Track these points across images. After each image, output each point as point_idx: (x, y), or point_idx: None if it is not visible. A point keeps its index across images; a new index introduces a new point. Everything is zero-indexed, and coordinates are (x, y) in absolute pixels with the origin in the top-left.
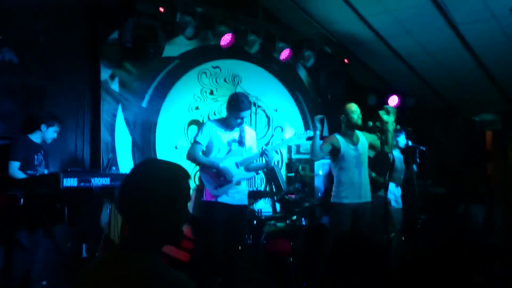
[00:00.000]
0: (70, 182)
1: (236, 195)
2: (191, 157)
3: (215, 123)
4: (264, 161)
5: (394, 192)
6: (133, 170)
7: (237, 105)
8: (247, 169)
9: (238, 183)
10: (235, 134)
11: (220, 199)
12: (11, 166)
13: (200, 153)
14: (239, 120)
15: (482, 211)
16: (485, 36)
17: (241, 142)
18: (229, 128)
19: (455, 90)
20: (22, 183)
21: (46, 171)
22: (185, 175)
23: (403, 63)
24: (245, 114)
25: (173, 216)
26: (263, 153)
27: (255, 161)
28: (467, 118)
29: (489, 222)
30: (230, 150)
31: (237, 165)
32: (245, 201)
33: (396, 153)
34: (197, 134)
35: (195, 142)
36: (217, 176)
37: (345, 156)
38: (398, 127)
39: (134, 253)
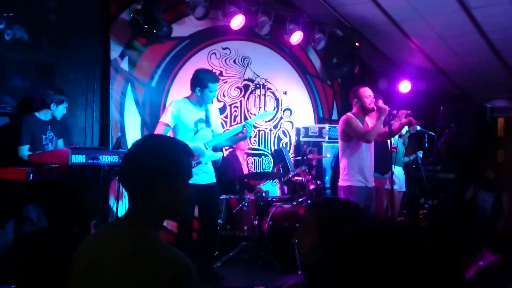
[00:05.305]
0: (78, 159)
1: (205, 176)
2: None
3: (181, 102)
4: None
5: (398, 176)
6: (134, 145)
7: (206, 78)
8: (215, 149)
9: (206, 163)
10: (201, 113)
11: (190, 181)
12: (21, 151)
13: (167, 135)
14: (210, 94)
15: (491, 198)
16: (499, 20)
17: (207, 121)
18: (195, 107)
19: (467, 75)
20: (31, 160)
21: (60, 142)
22: (187, 152)
23: (415, 47)
24: (215, 86)
25: (173, 192)
26: (244, 127)
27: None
28: (479, 104)
29: (498, 209)
30: (197, 130)
31: (205, 146)
32: (213, 179)
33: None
34: (163, 115)
35: (162, 123)
36: None
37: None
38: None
39: (134, 228)
